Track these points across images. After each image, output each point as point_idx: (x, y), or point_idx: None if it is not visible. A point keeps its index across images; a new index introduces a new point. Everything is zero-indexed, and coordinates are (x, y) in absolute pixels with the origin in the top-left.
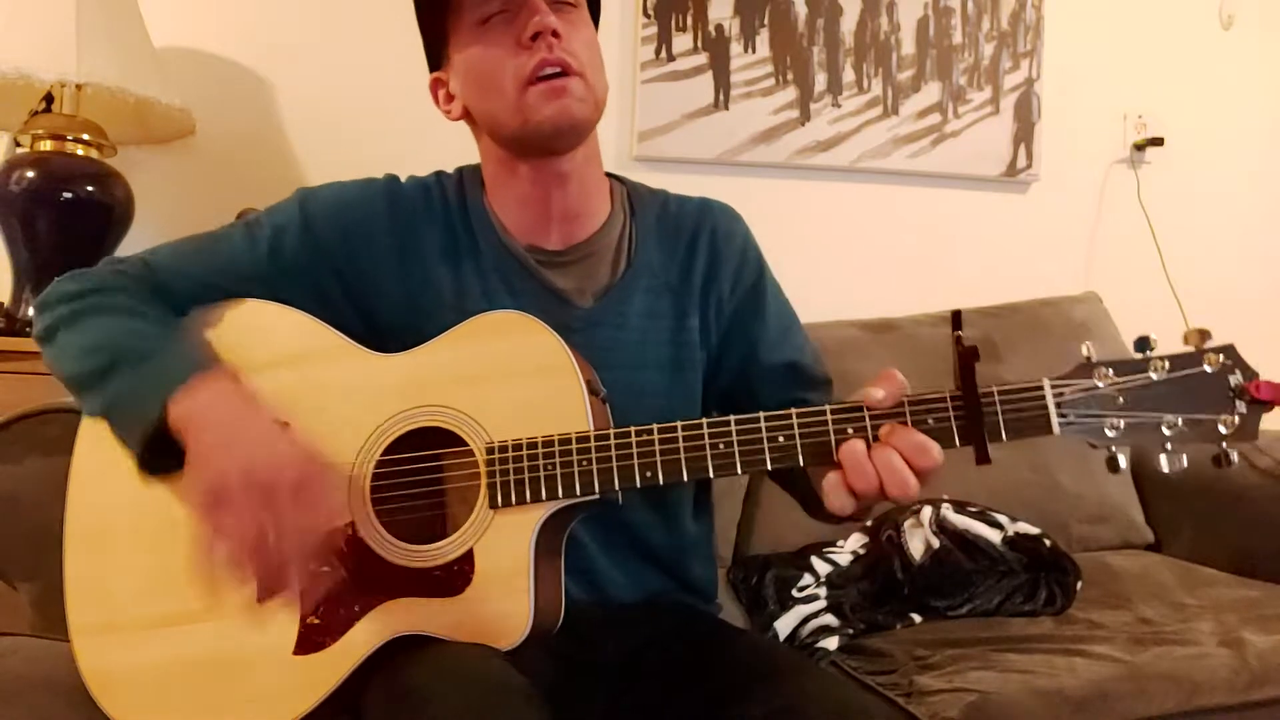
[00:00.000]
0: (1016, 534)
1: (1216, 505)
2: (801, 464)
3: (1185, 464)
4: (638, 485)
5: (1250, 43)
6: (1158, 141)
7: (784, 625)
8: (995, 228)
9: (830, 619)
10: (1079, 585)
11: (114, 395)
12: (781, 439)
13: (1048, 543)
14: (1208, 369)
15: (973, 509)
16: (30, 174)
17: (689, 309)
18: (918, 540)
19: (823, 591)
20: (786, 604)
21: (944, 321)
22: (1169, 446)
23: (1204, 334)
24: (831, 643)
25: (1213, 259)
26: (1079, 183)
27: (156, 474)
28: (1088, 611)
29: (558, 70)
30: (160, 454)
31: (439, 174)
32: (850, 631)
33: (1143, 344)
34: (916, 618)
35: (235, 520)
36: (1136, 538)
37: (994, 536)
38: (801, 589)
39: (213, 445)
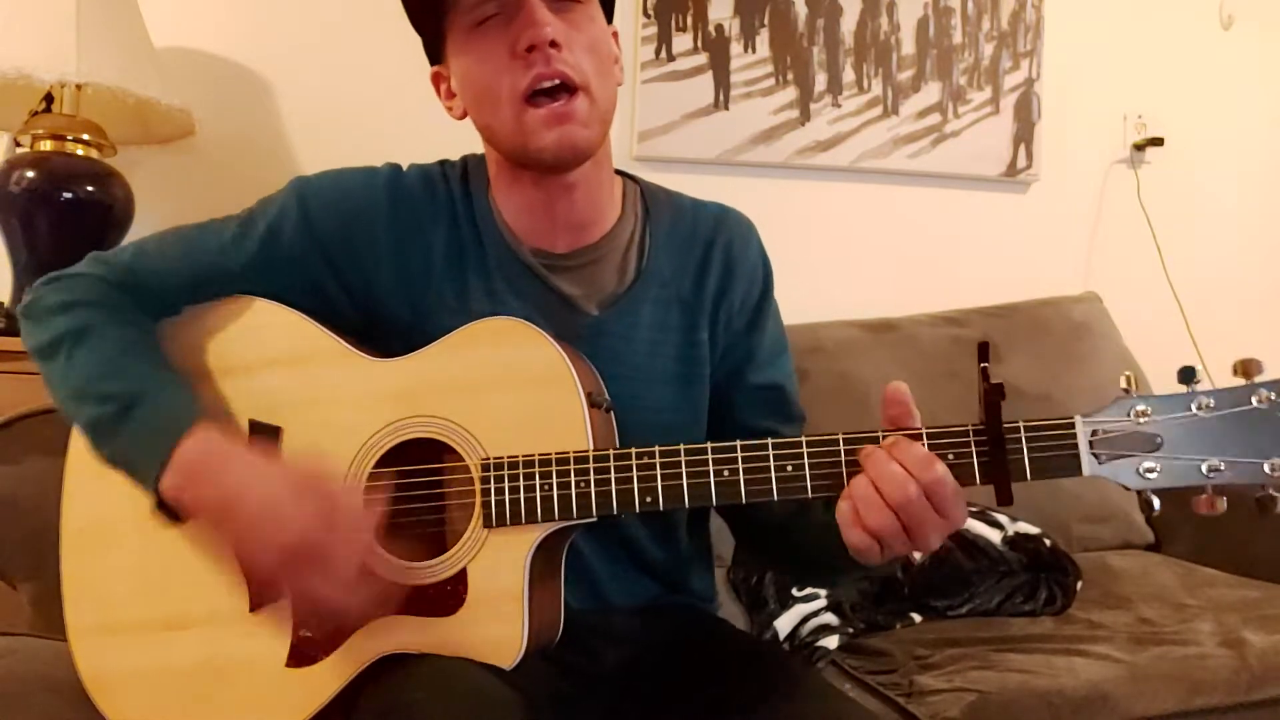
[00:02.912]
0: (1016, 534)
1: None
2: (809, 495)
3: (1224, 508)
4: (636, 510)
5: (1250, 43)
6: (1158, 141)
7: (784, 624)
8: (995, 228)
9: (830, 618)
10: (1079, 585)
11: (109, 460)
12: (790, 468)
13: (1048, 543)
14: (1257, 405)
15: (972, 509)
16: (30, 174)
17: (699, 322)
18: None
19: (823, 590)
20: (786, 603)
21: (944, 321)
22: (1208, 489)
23: (1255, 366)
24: (831, 642)
25: (1212, 259)
26: (1079, 183)
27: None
28: (1088, 611)
29: (556, 82)
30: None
31: (443, 163)
32: (850, 630)
33: (1188, 376)
34: (916, 617)
35: (304, 584)
36: (1136, 538)
37: (994, 536)
38: (801, 588)
39: (226, 530)
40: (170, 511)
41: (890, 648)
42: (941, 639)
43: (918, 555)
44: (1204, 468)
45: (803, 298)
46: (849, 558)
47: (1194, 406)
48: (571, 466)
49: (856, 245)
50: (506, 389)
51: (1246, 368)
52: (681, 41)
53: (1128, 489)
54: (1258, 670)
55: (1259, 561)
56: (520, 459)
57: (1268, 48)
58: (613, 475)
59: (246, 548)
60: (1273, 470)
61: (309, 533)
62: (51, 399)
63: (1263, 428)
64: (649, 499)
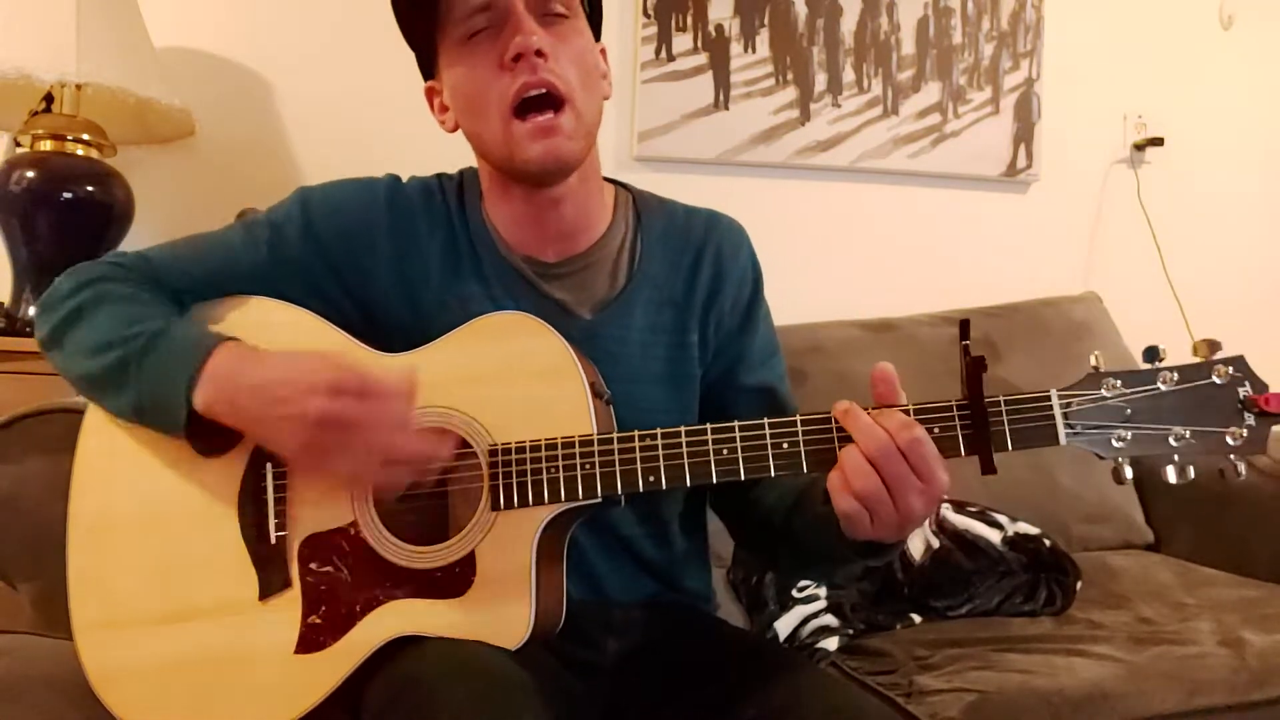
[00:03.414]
0: (1016, 534)
1: (1216, 505)
2: (805, 470)
3: (1192, 475)
4: (640, 489)
5: (1250, 43)
6: (1158, 141)
7: (784, 625)
8: (995, 228)
9: (830, 619)
10: (1079, 585)
11: (135, 400)
12: (786, 445)
13: (1048, 543)
14: (1217, 381)
15: (972, 509)
16: (30, 174)
17: (690, 324)
18: (917, 540)
19: (823, 591)
20: (786, 604)
21: (944, 321)
22: (1176, 458)
23: (1213, 345)
24: (831, 643)
25: (1212, 259)
26: (1079, 183)
27: (212, 456)
28: (1088, 611)
29: (543, 91)
30: (207, 437)
31: (440, 176)
32: (850, 631)
33: (1151, 354)
34: (916, 618)
35: (339, 457)
36: (1136, 538)
37: (994, 536)
38: (801, 589)
39: (258, 416)
40: (199, 431)
41: (890, 648)
42: (941, 639)
43: (916, 554)
44: (1171, 438)
45: (803, 298)
46: (847, 544)
47: (1159, 381)
48: (576, 450)
49: (856, 245)
50: (512, 380)
51: (1206, 346)
52: (681, 41)
53: (1101, 458)
54: (1257, 670)
55: (1258, 561)
56: (527, 444)
57: (1268, 48)
58: (616, 457)
59: (284, 428)
60: (1233, 439)
61: (341, 397)
62: (67, 372)
63: (1223, 400)
64: (651, 478)
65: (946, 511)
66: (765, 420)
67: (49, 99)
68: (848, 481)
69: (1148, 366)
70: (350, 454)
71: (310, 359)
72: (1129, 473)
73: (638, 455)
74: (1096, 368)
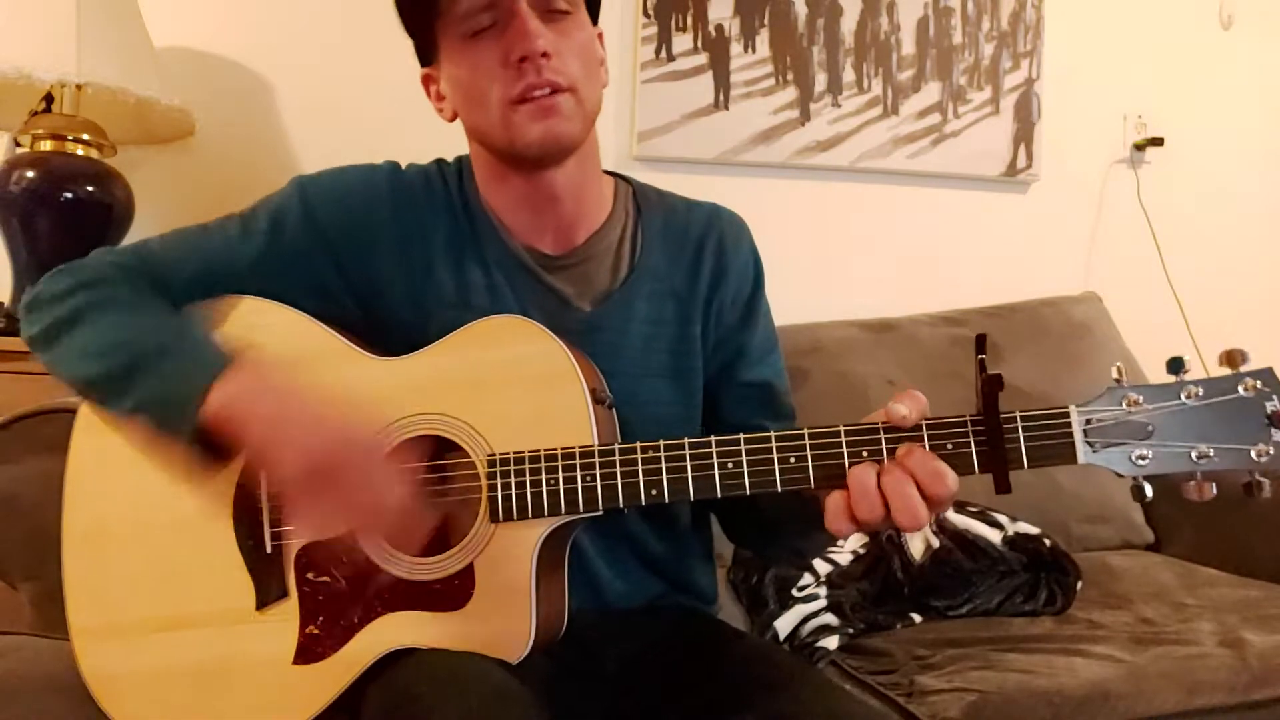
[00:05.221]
0: (1016, 534)
1: (1217, 505)
2: (813, 486)
3: (1213, 493)
4: (642, 502)
5: (1250, 43)
6: (1158, 141)
7: (784, 625)
8: (995, 228)
9: (830, 618)
10: (1079, 585)
11: (140, 400)
12: (793, 460)
13: (1048, 543)
14: (1243, 394)
15: (972, 509)
16: (30, 174)
17: (692, 316)
18: (918, 540)
19: (823, 591)
20: (786, 603)
21: (944, 321)
22: (1198, 475)
23: (1240, 356)
24: (831, 642)
25: (1212, 259)
26: (1079, 183)
27: (208, 469)
28: (1088, 611)
29: (546, 91)
30: (207, 450)
31: (439, 162)
32: (850, 631)
33: (1176, 366)
34: (916, 617)
35: (326, 503)
36: (1136, 538)
37: (994, 536)
38: (801, 588)
39: (265, 438)
40: (204, 444)
41: (890, 648)
42: (941, 639)
43: (916, 554)
44: (1194, 455)
45: (803, 298)
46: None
47: (1183, 396)
48: (577, 461)
49: (856, 245)
50: (511, 386)
51: (1232, 357)
52: (681, 41)
53: (1120, 476)
54: (1258, 670)
55: (1259, 561)
56: (526, 454)
57: (1268, 48)
58: (618, 469)
59: (296, 445)
60: (1259, 456)
61: (345, 445)
62: (60, 371)
63: (1249, 415)
64: (654, 492)
65: (947, 511)
66: (772, 434)
67: (49, 99)
68: (851, 509)
69: (1171, 379)
70: (342, 501)
71: (330, 417)
72: (1149, 490)
73: (640, 468)
74: (1119, 380)
